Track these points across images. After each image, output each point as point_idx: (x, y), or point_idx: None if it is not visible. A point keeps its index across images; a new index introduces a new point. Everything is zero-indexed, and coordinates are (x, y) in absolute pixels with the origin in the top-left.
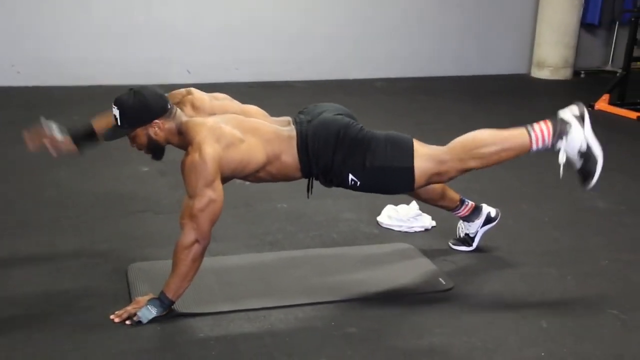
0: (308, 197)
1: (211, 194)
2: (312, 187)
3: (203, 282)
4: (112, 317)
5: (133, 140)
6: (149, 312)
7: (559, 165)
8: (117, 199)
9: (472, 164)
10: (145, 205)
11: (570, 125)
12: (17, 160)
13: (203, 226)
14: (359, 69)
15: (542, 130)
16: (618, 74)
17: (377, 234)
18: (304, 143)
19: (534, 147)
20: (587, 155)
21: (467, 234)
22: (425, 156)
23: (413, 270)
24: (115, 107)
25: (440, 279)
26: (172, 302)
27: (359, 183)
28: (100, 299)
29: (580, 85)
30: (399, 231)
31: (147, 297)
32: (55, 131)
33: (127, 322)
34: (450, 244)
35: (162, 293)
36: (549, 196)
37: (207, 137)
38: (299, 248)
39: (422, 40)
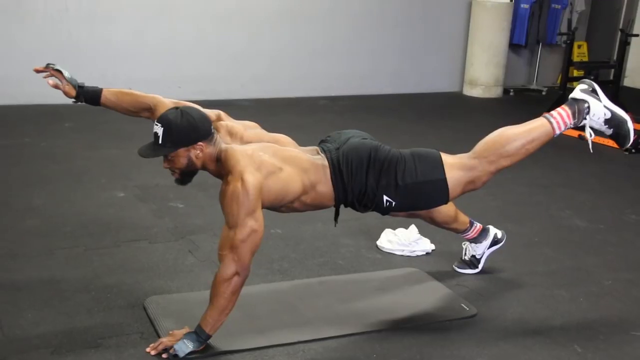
0: (335, 225)
1: (253, 224)
2: (338, 215)
3: (229, 315)
4: (148, 349)
5: (171, 160)
6: (185, 346)
7: (587, 142)
8: (104, 228)
9: (503, 163)
10: (136, 234)
11: (586, 101)
12: None
13: (244, 258)
14: (301, 87)
15: (560, 115)
16: (543, 93)
17: (381, 259)
18: (337, 170)
19: (557, 131)
20: (614, 120)
21: (473, 256)
22: (455, 165)
23: (432, 296)
24: (159, 125)
25: (463, 305)
26: (209, 337)
27: (394, 203)
28: (127, 337)
29: (511, 103)
30: (401, 255)
31: (183, 331)
32: (66, 73)
33: (164, 355)
34: (455, 267)
35: (199, 327)
36: (529, 215)
37: (248, 166)
38: (311, 276)
39: (361, 59)
